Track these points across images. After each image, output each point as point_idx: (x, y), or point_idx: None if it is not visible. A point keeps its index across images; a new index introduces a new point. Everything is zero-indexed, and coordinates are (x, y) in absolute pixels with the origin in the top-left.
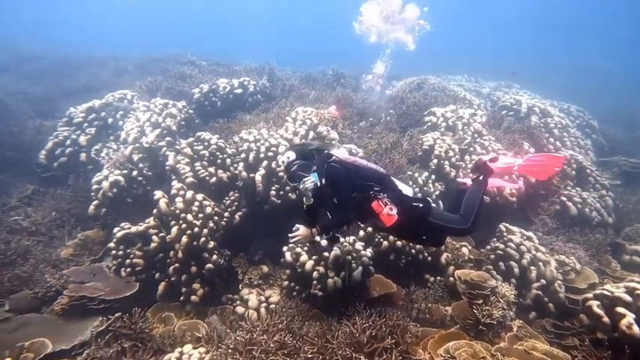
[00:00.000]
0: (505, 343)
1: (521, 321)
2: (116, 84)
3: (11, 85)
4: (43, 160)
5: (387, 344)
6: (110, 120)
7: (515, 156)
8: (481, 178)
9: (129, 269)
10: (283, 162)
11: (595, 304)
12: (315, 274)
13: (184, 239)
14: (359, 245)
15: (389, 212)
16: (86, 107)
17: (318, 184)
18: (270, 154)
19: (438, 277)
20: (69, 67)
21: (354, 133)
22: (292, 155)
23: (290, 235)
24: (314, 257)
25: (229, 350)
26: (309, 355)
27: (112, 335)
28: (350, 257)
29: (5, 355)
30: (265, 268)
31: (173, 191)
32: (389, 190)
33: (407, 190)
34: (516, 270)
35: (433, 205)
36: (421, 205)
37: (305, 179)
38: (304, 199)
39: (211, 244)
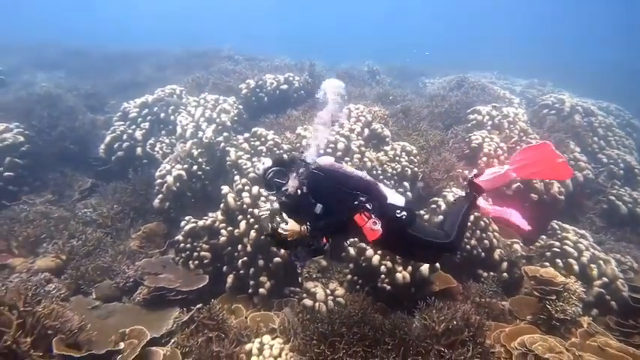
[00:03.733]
0: (578, 339)
1: (590, 318)
2: (160, 79)
3: (64, 81)
4: (102, 154)
5: (465, 337)
6: (162, 115)
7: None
8: (466, 194)
9: (196, 262)
10: (258, 169)
11: None
12: (382, 268)
13: (253, 233)
14: None
15: (372, 226)
16: (140, 102)
17: (299, 192)
18: (329, 150)
19: (491, 273)
20: (113, 63)
21: (400, 130)
22: (268, 162)
23: (280, 229)
24: (379, 252)
25: (313, 341)
26: (389, 347)
27: (197, 325)
28: None
29: (111, 339)
30: (324, 262)
31: (239, 186)
32: (376, 200)
33: (397, 200)
34: (576, 267)
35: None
36: (405, 215)
37: (284, 188)
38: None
39: None
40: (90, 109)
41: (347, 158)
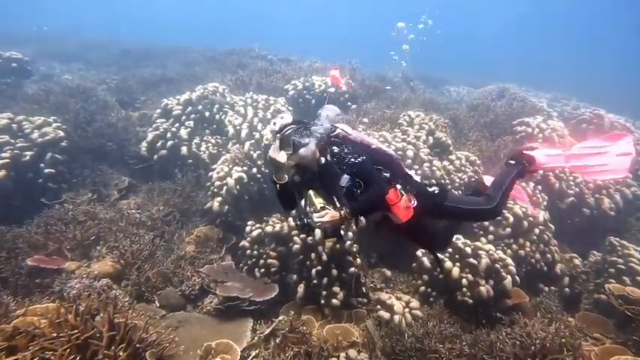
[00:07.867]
0: None
1: None
2: (192, 75)
3: (85, 73)
4: (144, 152)
5: (565, 355)
6: (207, 114)
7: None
8: (515, 162)
9: (262, 269)
10: (274, 124)
11: None
12: (464, 281)
13: (329, 242)
14: (500, 253)
15: (406, 204)
16: (184, 100)
17: (322, 159)
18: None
19: (552, 287)
20: (135, 57)
21: (455, 140)
22: (288, 118)
23: (315, 217)
24: (458, 264)
25: (413, 358)
26: None
27: (282, 339)
28: (498, 266)
29: (195, 352)
30: (388, 272)
31: (310, 192)
32: (398, 177)
33: (415, 178)
34: None
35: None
36: (437, 190)
37: (301, 150)
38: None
39: (355, 247)
40: (121, 105)
41: (416, 166)
